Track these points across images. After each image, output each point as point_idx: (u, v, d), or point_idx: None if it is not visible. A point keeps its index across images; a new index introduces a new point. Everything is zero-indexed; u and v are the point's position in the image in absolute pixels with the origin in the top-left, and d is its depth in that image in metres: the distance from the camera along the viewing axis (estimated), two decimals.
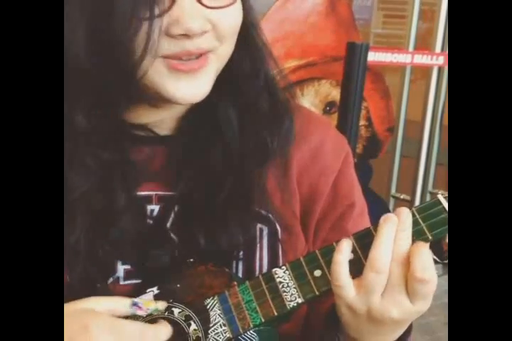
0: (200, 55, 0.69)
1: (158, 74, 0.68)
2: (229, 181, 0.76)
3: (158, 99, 0.71)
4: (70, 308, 0.66)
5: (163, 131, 0.78)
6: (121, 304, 0.69)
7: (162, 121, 0.78)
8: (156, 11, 0.64)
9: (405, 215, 0.66)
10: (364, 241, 0.67)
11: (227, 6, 0.68)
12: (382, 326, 0.68)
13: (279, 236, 0.80)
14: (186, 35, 0.66)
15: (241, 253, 0.78)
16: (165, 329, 0.70)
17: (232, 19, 0.70)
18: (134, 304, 0.69)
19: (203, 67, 0.69)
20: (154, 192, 0.78)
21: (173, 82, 0.69)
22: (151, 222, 0.77)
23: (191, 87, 0.69)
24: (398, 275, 0.65)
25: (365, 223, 0.87)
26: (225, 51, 0.72)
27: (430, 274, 0.64)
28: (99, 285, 0.73)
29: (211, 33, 0.68)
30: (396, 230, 0.66)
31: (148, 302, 0.71)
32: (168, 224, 0.77)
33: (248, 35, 0.75)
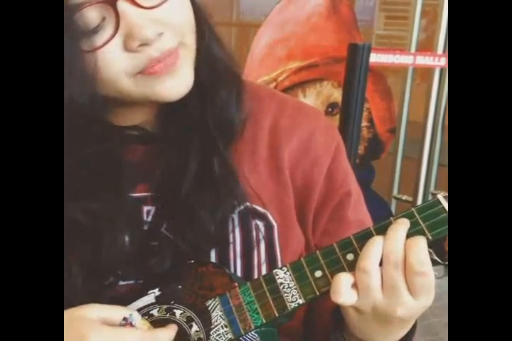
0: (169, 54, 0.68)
1: (142, 87, 0.69)
2: (191, 169, 0.76)
3: (149, 101, 0.72)
4: (67, 316, 0.65)
5: (150, 130, 0.79)
6: (117, 313, 0.69)
7: (147, 121, 0.78)
8: (108, 34, 0.64)
9: (401, 223, 0.66)
10: (364, 242, 0.67)
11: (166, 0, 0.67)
12: (389, 325, 0.68)
13: (275, 231, 0.80)
14: (145, 44, 0.66)
15: (238, 248, 0.78)
16: (166, 336, 0.70)
17: (179, 11, 0.69)
18: (130, 318, 0.68)
19: (177, 63, 0.69)
20: (149, 193, 0.78)
21: (158, 85, 0.69)
22: (148, 223, 0.77)
23: (176, 83, 0.70)
24: (396, 275, 0.65)
25: (364, 210, 0.87)
26: (191, 43, 0.71)
27: (428, 267, 0.64)
28: (96, 287, 0.74)
29: (167, 33, 0.68)
30: (390, 234, 0.66)
31: (142, 323, 0.70)
32: (165, 225, 0.77)
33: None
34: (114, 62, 0.66)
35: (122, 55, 0.66)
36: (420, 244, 0.65)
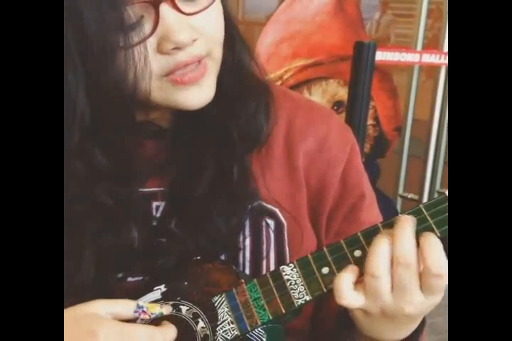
0: (198, 63, 0.69)
1: (165, 92, 0.69)
2: (207, 171, 0.76)
3: (168, 108, 0.72)
4: (76, 313, 0.66)
5: (165, 126, 0.79)
6: (126, 307, 0.69)
7: (163, 116, 0.78)
8: (144, 34, 0.65)
9: (406, 220, 0.65)
10: (372, 239, 0.67)
11: (206, 7, 0.68)
12: (397, 322, 0.68)
13: (286, 230, 0.80)
14: (178, 48, 0.66)
15: (247, 246, 0.78)
16: (171, 332, 0.70)
17: (214, 21, 0.71)
18: (139, 308, 0.69)
19: (204, 74, 0.70)
20: (159, 188, 0.78)
21: (182, 94, 0.70)
22: (156, 218, 0.77)
23: (199, 94, 0.71)
24: (408, 277, 0.64)
25: (377, 213, 0.87)
26: (218, 54, 0.72)
27: (445, 269, 0.63)
28: (105, 283, 0.74)
29: (200, 40, 0.69)
30: (397, 234, 0.65)
31: (153, 306, 0.70)
32: (174, 220, 0.77)
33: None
34: (144, 62, 0.66)
35: (154, 56, 0.67)
36: (437, 245, 0.63)
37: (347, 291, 0.65)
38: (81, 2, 0.63)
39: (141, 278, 0.76)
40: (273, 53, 2.86)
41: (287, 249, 0.80)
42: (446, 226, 0.65)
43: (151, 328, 0.69)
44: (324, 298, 0.71)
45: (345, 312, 0.73)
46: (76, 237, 0.71)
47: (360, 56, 2.21)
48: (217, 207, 0.76)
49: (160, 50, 0.66)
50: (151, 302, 0.72)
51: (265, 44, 2.88)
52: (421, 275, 0.64)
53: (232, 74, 0.77)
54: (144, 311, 0.69)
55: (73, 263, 0.70)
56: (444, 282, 0.64)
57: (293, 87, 2.83)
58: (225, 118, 0.77)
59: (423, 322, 0.72)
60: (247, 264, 0.78)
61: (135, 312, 0.69)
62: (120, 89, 0.67)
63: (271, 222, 0.79)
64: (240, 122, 0.77)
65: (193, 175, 0.77)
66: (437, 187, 3.20)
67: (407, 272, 0.64)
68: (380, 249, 0.64)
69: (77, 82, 0.66)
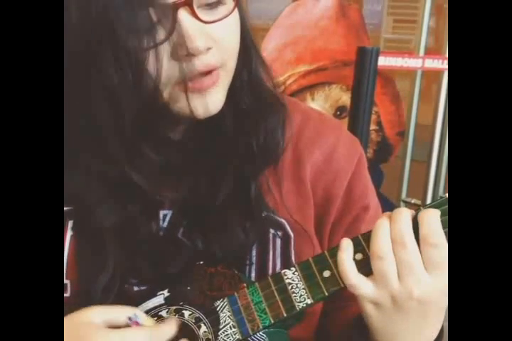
0: (210, 72, 0.69)
1: (176, 99, 0.70)
2: (225, 184, 0.77)
3: (178, 115, 0.73)
4: (70, 322, 0.66)
5: (175, 136, 0.79)
6: (121, 314, 0.69)
7: (178, 127, 0.79)
8: (159, 37, 0.65)
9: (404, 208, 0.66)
10: None
11: (224, 17, 0.69)
12: (409, 316, 0.67)
13: (292, 241, 0.80)
14: (192, 55, 0.67)
15: (254, 258, 0.78)
16: (170, 328, 0.70)
17: (231, 32, 0.71)
18: (135, 318, 0.69)
19: (216, 83, 0.71)
20: (167, 198, 0.78)
21: (192, 102, 0.70)
22: (164, 227, 0.78)
23: (208, 103, 0.71)
24: (406, 255, 0.64)
25: None
26: (231, 66, 0.73)
27: (441, 238, 0.64)
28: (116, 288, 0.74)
29: (215, 49, 0.69)
30: (393, 216, 0.66)
31: (150, 322, 0.70)
32: (181, 229, 0.78)
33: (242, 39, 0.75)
34: (157, 67, 0.66)
35: (167, 62, 0.67)
36: (433, 217, 0.65)
37: (350, 270, 0.66)
38: (109, 3, 0.63)
39: (146, 287, 0.76)
40: (276, 58, 2.86)
41: (293, 260, 0.80)
42: (447, 229, 0.65)
43: (149, 330, 0.68)
44: (330, 310, 0.70)
45: (359, 325, 0.73)
46: (105, 234, 0.73)
47: (363, 61, 2.21)
48: (234, 219, 0.76)
49: (173, 56, 0.66)
50: (150, 316, 0.72)
51: (268, 49, 2.88)
52: (420, 250, 0.64)
53: (249, 90, 0.77)
54: (136, 322, 0.69)
55: (97, 264, 0.73)
56: (441, 252, 0.64)
57: (296, 93, 2.83)
58: (246, 134, 0.78)
59: (441, 333, 0.71)
60: (253, 275, 0.78)
61: (129, 319, 0.68)
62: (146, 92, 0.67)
63: (277, 233, 0.79)
64: (260, 138, 0.78)
65: (210, 186, 0.77)
66: (440, 192, 3.19)
67: (404, 250, 0.64)
68: (380, 230, 0.66)
69: (121, 81, 0.66)
